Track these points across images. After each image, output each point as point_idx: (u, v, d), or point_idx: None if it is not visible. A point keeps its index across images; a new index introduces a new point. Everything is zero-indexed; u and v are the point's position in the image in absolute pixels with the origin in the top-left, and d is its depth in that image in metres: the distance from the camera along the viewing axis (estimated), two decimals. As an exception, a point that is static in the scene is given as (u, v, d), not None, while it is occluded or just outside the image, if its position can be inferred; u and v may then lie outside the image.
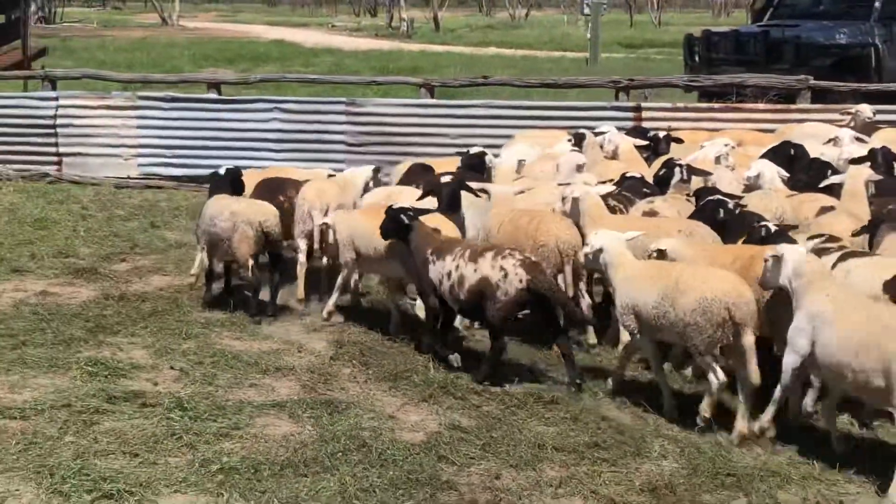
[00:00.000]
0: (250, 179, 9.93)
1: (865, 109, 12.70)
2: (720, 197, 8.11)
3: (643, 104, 14.13)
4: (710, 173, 9.43)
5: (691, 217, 8.14)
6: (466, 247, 7.72)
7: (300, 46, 37.43)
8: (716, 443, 6.50)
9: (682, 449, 6.42)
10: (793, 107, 13.59)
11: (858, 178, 8.47)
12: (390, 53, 34.09)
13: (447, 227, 8.28)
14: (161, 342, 8.25)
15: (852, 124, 12.46)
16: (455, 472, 6.15)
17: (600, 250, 7.18)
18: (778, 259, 6.35)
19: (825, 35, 17.75)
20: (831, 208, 8.41)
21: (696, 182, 9.34)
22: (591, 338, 8.29)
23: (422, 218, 8.06)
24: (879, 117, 12.81)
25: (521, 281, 7.29)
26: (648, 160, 10.69)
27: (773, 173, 9.12)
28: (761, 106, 13.89)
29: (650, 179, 9.53)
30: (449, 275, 7.61)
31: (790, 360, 6.24)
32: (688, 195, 9.06)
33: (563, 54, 34.75)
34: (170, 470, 6.04)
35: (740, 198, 8.35)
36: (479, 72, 20.84)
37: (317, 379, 7.61)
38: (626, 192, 9.05)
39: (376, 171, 10.00)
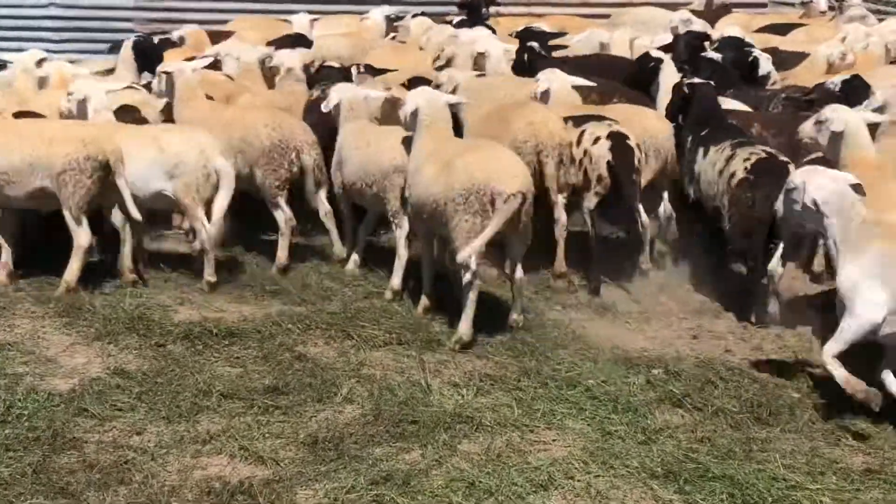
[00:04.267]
0: None
1: None
2: None
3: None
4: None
5: None
6: None
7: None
8: (414, 383, 5.60)
9: (374, 392, 5.51)
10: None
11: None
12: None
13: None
14: None
15: (701, 8, 11.85)
16: (90, 428, 5.15)
17: None
18: None
19: None
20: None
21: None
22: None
23: None
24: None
25: None
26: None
27: (498, 56, 9.00)
28: (596, -11, 13.00)
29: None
30: None
31: None
32: None
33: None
34: None
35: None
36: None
37: (-14, 315, 6.55)
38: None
39: None
